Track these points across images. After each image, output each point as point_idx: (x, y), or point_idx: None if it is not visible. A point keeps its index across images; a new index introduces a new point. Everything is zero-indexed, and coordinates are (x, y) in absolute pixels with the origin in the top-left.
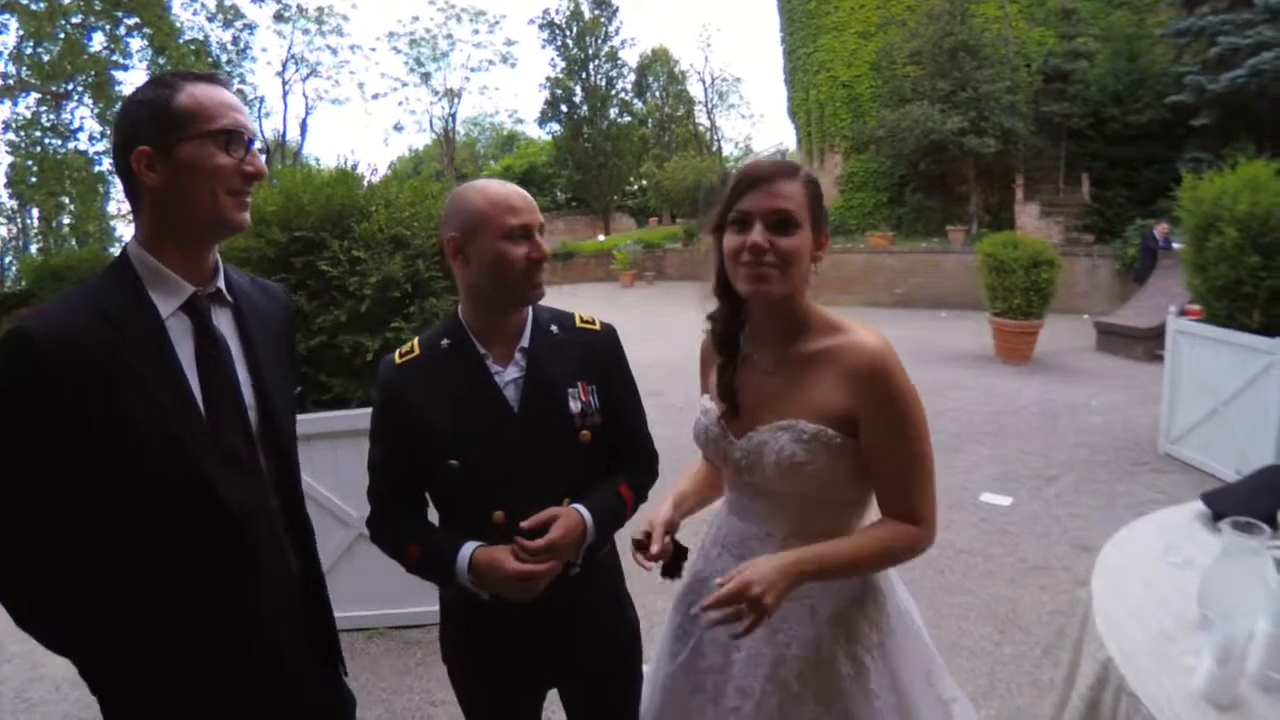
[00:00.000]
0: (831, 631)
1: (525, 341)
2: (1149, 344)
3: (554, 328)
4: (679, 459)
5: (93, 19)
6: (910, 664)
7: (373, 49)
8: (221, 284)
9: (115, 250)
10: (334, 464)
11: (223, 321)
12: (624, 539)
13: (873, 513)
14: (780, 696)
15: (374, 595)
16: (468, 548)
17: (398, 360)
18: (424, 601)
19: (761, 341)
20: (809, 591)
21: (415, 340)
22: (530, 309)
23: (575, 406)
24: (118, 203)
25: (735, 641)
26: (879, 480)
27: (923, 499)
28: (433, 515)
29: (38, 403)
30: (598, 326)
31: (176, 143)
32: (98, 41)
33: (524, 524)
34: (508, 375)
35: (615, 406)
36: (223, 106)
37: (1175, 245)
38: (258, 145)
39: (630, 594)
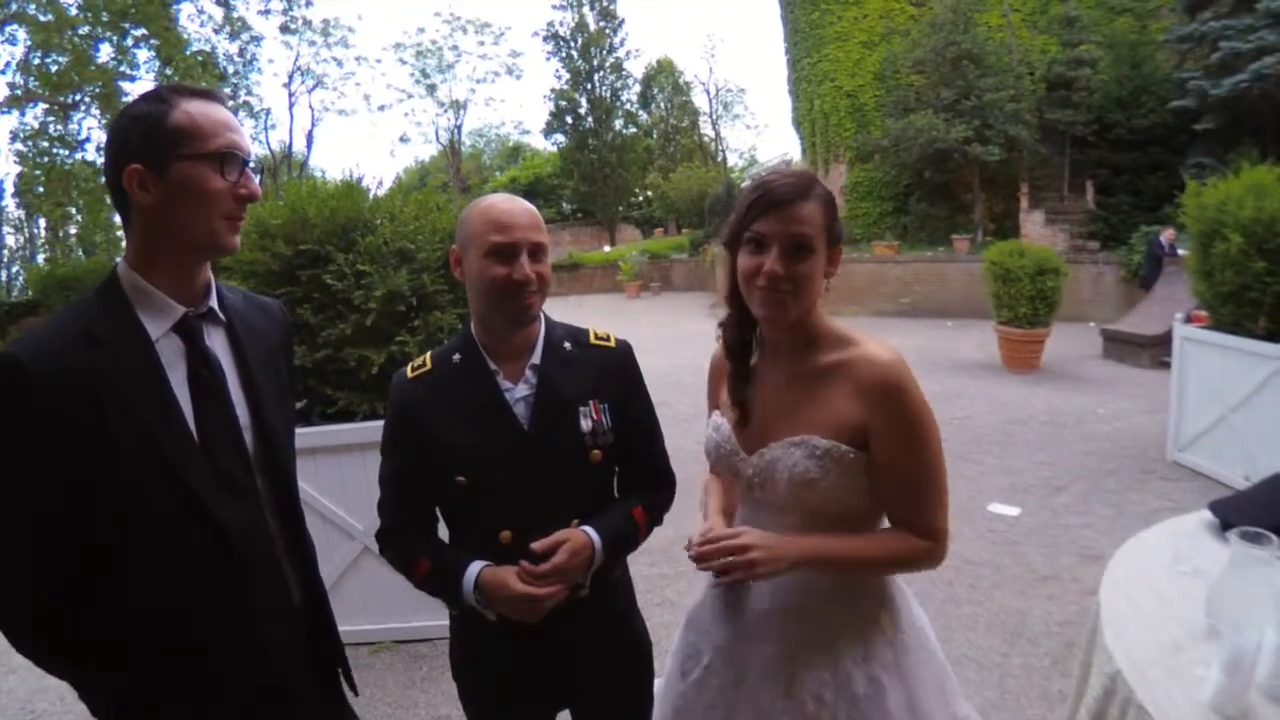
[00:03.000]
0: (848, 650)
1: (536, 358)
2: (1155, 351)
3: (567, 344)
4: (684, 469)
5: (100, 30)
6: (926, 681)
7: (379, 60)
8: (214, 303)
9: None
10: (339, 477)
11: (216, 341)
12: (637, 560)
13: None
14: (794, 716)
15: (380, 609)
16: (474, 567)
17: (410, 374)
18: (430, 615)
19: (773, 355)
20: (823, 612)
21: (428, 355)
22: (544, 325)
23: (586, 425)
24: None
25: (749, 660)
26: (890, 495)
27: (934, 514)
28: (443, 531)
29: (29, 430)
30: (613, 343)
31: (170, 162)
32: (105, 53)
33: (533, 546)
34: (518, 392)
35: (630, 426)
36: (219, 126)
37: (1181, 251)
38: (252, 165)
39: (643, 614)
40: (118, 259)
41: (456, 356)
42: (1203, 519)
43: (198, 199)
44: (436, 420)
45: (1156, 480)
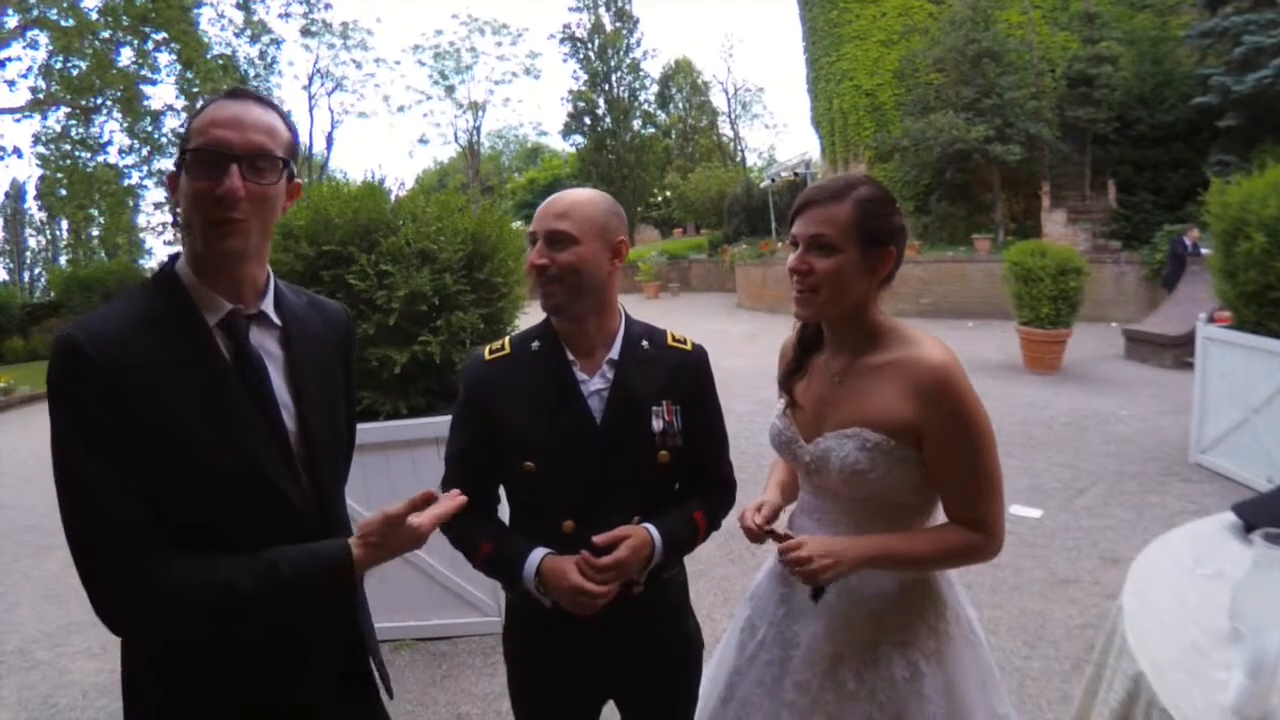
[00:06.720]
0: (890, 635)
1: (615, 354)
2: (1178, 351)
3: (645, 343)
4: None
5: (121, 34)
6: (967, 672)
7: (397, 62)
8: (268, 305)
9: (144, 262)
10: (362, 475)
11: (267, 343)
12: (693, 559)
13: (938, 518)
14: (836, 694)
15: (401, 607)
16: (537, 554)
17: (487, 356)
18: (451, 614)
19: (835, 349)
20: (870, 596)
21: (506, 339)
22: (624, 321)
23: (657, 425)
24: (146, 215)
25: (798, 637)
26: (944, 491)
27: (988, 509)
28: (503, 512)
29: (93, 403)
30: (689, 347)
31: (182, 167)
32: (126, 56)
33: (596, 539)
34: (593, 385)
35: (698, 430)
36: (207, 124)
37: (1204, 251)
38: (263, 162)
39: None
40: (138, 259)
41: (535, 344)
42: (1225, 521)
43: (188, 206)
44: (509, 404)
45: (1178, 482)
